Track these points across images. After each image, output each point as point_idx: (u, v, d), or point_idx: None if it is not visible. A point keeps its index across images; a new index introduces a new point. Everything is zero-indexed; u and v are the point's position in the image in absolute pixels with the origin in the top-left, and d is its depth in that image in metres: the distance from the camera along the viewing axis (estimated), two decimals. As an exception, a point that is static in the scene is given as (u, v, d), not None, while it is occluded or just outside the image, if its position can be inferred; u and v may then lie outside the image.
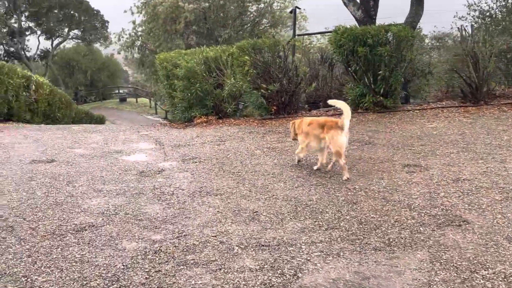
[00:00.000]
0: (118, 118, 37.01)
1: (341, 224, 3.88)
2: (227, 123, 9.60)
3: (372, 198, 4.49)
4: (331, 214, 4.09)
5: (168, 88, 11.01)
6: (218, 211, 4.26)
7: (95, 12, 45.97)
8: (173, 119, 12.96)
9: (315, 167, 5.65)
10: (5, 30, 41.49)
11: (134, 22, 24.93)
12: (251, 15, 24.46)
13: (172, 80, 10.77)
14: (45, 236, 3.72)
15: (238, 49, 9.50)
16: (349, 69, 9.24)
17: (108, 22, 47.15)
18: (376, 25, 9.95)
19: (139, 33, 23.90)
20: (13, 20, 43.87)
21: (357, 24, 11.47)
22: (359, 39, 8.72)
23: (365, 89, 8.98)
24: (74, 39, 48.50)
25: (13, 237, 3.68)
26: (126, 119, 37.08)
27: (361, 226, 3.82)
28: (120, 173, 5.74)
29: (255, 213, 4.17)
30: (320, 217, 4.03)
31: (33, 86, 14.57)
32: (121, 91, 53.91)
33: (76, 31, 46.84)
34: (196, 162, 6.30)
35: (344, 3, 12.33)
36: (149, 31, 22.31)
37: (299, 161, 5.89)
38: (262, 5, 23.72)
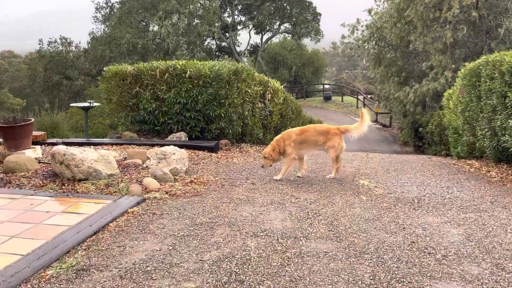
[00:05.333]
0: (324, 119, 33.73)
1: None
2: None
3: None
4: None
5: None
6: None
7: (307, 4, 43.51)
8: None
9: None
10: (218, 24, 41.71)
11: (370, 11, 20.68)
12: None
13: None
14: None
15: None
16: None
17: (320, 14, 44.31)
18: None
19: (377, 24, 19.57)
20: (226, 14, 44.21)
21: None
22: None
23: None
24: (284, 33, 47.01)
25: None
26: (333, 120, 33.67)
27: None
28: None
29: None
30: None
31: (269, 95, 11.36)
32: (326, 87, 51.03)
33: (286, 25, 45.14)
34: None
35: None
36: (396, 21, 17.75)
37: None
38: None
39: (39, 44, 34.58)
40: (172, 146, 6.29)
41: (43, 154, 7.05)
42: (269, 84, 11.42)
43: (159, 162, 6.01)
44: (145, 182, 5.46)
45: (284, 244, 3.90)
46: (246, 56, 46.12)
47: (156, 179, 5.61)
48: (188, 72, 8.44)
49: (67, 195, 5.10)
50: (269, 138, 11.90)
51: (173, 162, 6.01)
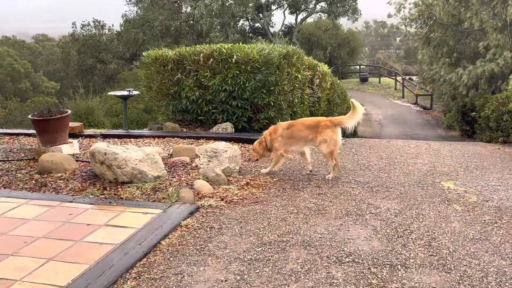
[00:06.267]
0: (362, 102, 32.33)
1: None
2: None
3: None
4: None
5: None
6: None
7: (345, -20, 41.70)
8: None
9: None
10: (251, 4, 40.52)
11: (419, -13, 19.24)
12: None
13: None
14: None
15: None
16: None
17: (358, -9, 42.40)
18: None
19: (427, 1, 18.18)
20: (260, -6, 42.89)
21: None
22: None
23: None
24: (320, 13, 45.42)
25: None
26: (371, 103, 32.28)
27: None
28: None
29: None
30: None
31: (317, 80, 10.49)
32: (362, 67, 49.34)
33: (322, 4, 43.52)
34: None
35: None
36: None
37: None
38: None
39: (73, 27, 34.33)
40: (223, 143, 5.56)
41: (80, 149, 6.44)
42: (318, 68, 10.54)
43: (209, 161, 5.30)
44: (196, 186, 4.75)
45: (380, 276, 3.12)
46: (280, 37, 44.85)
47: (208, 182, 4.90)
48: (235, 56, 7.65)
49: (110, 202, 4.44)
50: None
51: (225, 160, 5.28)
